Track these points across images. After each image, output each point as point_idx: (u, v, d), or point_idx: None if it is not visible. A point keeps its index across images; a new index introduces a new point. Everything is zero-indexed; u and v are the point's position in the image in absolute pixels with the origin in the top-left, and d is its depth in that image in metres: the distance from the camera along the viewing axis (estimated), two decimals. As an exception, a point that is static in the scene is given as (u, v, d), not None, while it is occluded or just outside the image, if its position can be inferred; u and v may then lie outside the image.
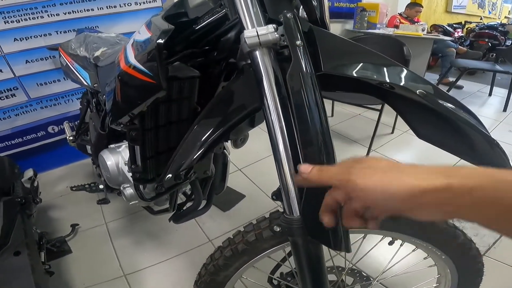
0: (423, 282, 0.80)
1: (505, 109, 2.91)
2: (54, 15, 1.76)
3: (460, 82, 3.43)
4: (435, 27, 4.77)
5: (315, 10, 0.56)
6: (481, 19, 6.01)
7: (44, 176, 2.00)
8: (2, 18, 1.64)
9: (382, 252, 0.79)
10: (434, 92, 0.52)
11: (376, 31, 3.21)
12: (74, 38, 1.41)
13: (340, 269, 0.71)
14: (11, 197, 1.10)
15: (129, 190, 0.93)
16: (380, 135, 2.25)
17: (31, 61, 1.83)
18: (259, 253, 0.62)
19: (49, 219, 1.61)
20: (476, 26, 5.37)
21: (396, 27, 3.52)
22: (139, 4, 1.91)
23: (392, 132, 2.31)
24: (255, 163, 1.96)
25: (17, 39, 1.74)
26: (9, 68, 1.78)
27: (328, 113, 2.75)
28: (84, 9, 1.81)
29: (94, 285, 1.19)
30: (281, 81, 0.49)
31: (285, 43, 0.49)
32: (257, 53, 0.49)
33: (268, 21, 0.51)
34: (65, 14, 1.78)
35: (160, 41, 0.51)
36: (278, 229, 0.55)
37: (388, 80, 0.51)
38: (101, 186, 1.12)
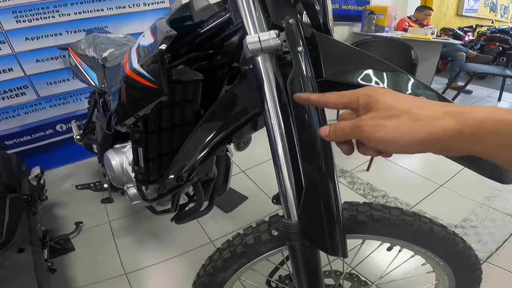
0: (421, 288, 0.80)
1: (514, 115, 2.85)
2: (65, 15, 1.79)
3: (469, 87, 3.39)
4: (445, 31, 4.72)
5: (318, 16, 0.56)
6: (492, 22, 5.91)
7: (51, 173, 2.03)
8: (14, 17, 1.68)
9: (380, 258, 0.79)
10: (438, 99, 0.51)
11: (384, 34, 3.19)
12: (83, 38, 1.44)
13: (338, 273, 0.71)
14: (17, 195, 1.11)
15: (132, 190, 0.94)
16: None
17: (42, 60, 1.87)
18: (257, 256, 0.62)
19: (54, 216, 1.63)
20: (488, 29, 5.28)
21: (405, 30, 3.49)
22: (147, 5, 1.94)
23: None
24: (259, 165, 1.96)
25: (28, 39, 1.77)
26: (20, 67, 1.82)
27: (333, 116, 2.73)
28: (94, 9, 1.84)
29: (95, 283, 1.20)
30: (282, 86, 0.50)
31: (287, 49, 0.49)
32: (259, 58, 0.49)
33: (271, 27, 0.52)
34: (76, 14, 1.81)
35: (162, 47, 0.52)
36: (276, 233, 0.55)
37: (391, 87, 0.51)
38: (105, 185, 1.13)
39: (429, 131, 0.28)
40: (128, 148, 1.00)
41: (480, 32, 5.37)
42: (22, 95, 1.89)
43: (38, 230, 1.17)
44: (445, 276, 0.67)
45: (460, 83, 3.55)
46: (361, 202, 0.65)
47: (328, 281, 0.70)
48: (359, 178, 1.83)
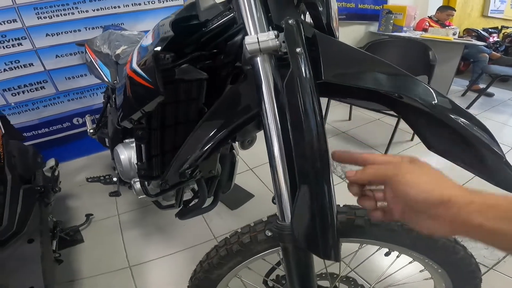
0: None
1: (537, 120, 2.74)
2: (83, 12, 1.85)
3: (491, 89, 3.26)
4: (468, 31, 4.55)
5: (321, 16, 0.55)
6: (519, 24, 5.65)
7: (66, 165, 2.10)
8: (36, 14, 1.74)
9: (378, 262, 0.77)
10: (444, 104, 0.49)
11: (402, 34, 3.11)
12: (99, 35, 1.48)
13: (334, 276, 0.70)
14: (31, 186, 1.16)
15: (138, 185, 0.96)
16: (399, 142, 2.18)
17: (61, 56, 1.94)
18: (253, 255, 0.63)
19: (67, 207, 1.69)
20: (514, 31, 5.05)
21: (425, 30, 3.39)
22: (162, 2, 1.97)
23: (412, 139, 2.23)
24: (267, 164, 1.94)
25: (48, 35, 1.84)
26: (40, 62, 1.89)
27: (346, 116, 2.70)
28: (111, 6, 1.89)
29: (100, 274, 1.24)
30: (280, 88, 0.50)
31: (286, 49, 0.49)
32: (258, 59, 0.49)
33: (273, 27, 0.52)
34: (94, 11, 1.86)
35: (157, 48, 0.52)
36: (269, 234, 0.56)
37: (393, 90, 0.49)
38: (114, 179, 1.16)
39: (451, 191, 0.33)
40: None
41: (505, 33, 5.14)
42: (41, 89, 1.97)
43: (50, 221, 1.21)
44: (443, 283, 0.65)
45: (482, 86, 3.42)
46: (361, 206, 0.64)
47: (325, 283, 0.70)
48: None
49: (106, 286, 1.20)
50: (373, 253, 0.67)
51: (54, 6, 1.77)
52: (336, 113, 2.72)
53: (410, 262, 0.67)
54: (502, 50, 4.58)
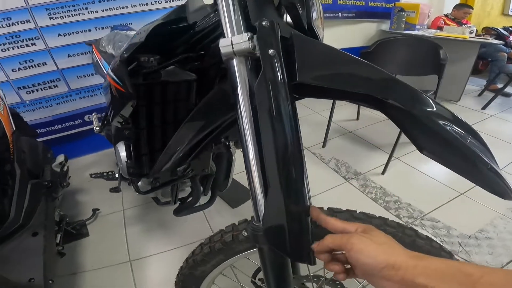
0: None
1: (556, 122, 2.61)
2: (93, 12, 1.90)
3: (508, 89, 3.13)
4: (487, 30, 4.37)
5: (300, 18, 0.55)
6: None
7: (77, 161, 2.18)
8: (48, 14, 1.81)
9: None
10: (428, 107, 0.48)
11: (415, 32, 3.02)
12: (106, 35, 1.52)
13: (315, 279, 0.70)
14: (39, 180, 1.20)
15: (140, 183, 0.99)
16: (406, 143, 2.11)
17: (73, 55, 2.00)
18: (235, 254, 0.64)
19: (76, 202, 1.75)
20: (537, 30, 4.81)
21: (440, 28, 3.28)
22: (168, 2, 2.00)
23: (421, 141, 2.17)
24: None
25: (60, 35, 1.90)
26: (53, 61, 1.96)
27: (354, 116, 2.66)
28: (120, 7, 1.93)
29: (101, 268, 1.28)
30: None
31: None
32: (234, 61, 0.50)
33: (250, 30, 0.52)
34: (103, 11, 1.91)
35: (125, 55, 0.54)
36: (245, 234, 0.56)
37: (371, 92, 0.49)
38: (116, 175, 1.20)
39: (397, 257, 0.37)
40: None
41: (527, 31, 4.91)
42: (54, 87, 2.04)
43: (57, 215, 1.26)
44: None
45: (500, 85, 3.28)
46: (344, 210, 0.63)
47: (312, 285, 0.70)
48: (372, 181, 1.78)
49: (107, 280, 1.24)
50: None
51: (65, 7, 1.83)
52: (344, 112, 2.68)
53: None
54: (523, 49, 4.37)
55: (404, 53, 2.11)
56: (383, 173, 1.85)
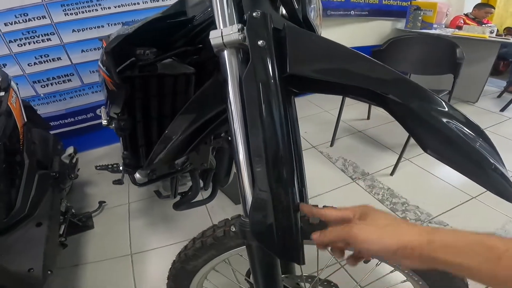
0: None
1: None
2: (106, 8, 1.94)
3: (530, 92, 3.00)
4: (509, 30, 4.18)
5: (295, 10, 0.53)
6: None
7: (88, 154, 2.23)
8: (63, 10, 1.85)
9: (357, 269, 0.74)
10: (432, 104, 0.46)
11: (432, 31, 2.93)
12: (115, 31, 1.54)
13: (310, 279, 0.68)
14: (47, 171, 1.23)
15: (137, 175, 1.00)
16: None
17: (86, 50, 2.04)
18: (227, 250, 0.63)
19: (83, 194, 1.79)
20: None
21: (459, 28, 3.17)
22: (179, -1, 2.01)
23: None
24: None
25: (74, 30, 1.95)
26: (67, 56, 2.01)
27: (364, 115, 2.60)
28: (131, 3, 1.96)
29: (102, 260, 1.30)
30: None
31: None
32: (225, 53, 0.49)
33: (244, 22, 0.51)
34: (115, 7, 1.95)
35: (110, 46, 0.54)
36: (234, 229, 0.55)
37: (370, 86, 0.47)
38: (120, 168, 1.21)
39: (408, 237, 0.36)
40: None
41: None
42: (68, 81, 2.10)
43: (63, 206, 1.28)
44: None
45: (521, 88, 3.15)
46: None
47: (306, 285, 0.68)
48: (379, 182, 1.73)
49: (107, 272, 1.26)
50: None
51: (80, 3, 1.88)
52: (354, 111, 2.63)
53: (391, 272, 0.64)
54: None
55: (419, 52, 2.05)
56: (391, 174, 1.80)
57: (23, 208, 1.03)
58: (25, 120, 1.38)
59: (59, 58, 2.00)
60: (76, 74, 2.10)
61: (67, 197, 1.43)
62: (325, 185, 1.71)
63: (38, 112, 1.88)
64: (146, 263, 1.29)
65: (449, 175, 1.76)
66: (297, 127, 0.57)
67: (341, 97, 1.99)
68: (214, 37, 0.47)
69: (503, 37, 3.23)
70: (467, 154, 0.44)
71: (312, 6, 0.57)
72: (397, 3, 2.97)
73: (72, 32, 1.94)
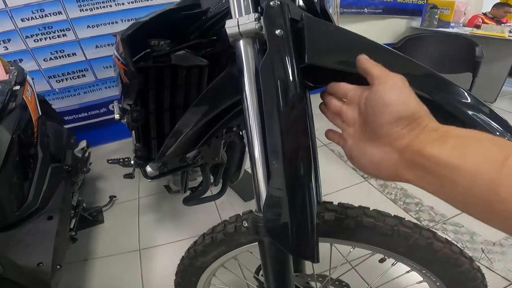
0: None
1: None
2: (120, 4, 1.95)
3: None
4: (529, 30, 4.07)
5: (313, 1, 0.52)
6: None
7: (101, 148, 2.26)
8: (78, 6, 1.88)
9: (372, 268, 0.72)
10: (456, 95, 0.44)
11: (449, 30, 2.86)
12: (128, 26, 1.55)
13: (320, 278, 0.67)
14: (60, 164, 1.25)
15: (148, 168, 0.99)
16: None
17: (100, 46, 2.07)
18: (237, 246, 0.62)
19: (95, 188, 1.81)
20: None
21: (478, 27, 3.09)
22: (193, -5, 2.01)
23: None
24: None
25: (89, 26, 1.97)
26: (82, 52, 2.04)
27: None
28: (145, -1, 1.97)
29: (110, 255, 1.31)
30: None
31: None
32: (240, 43, 0.48)
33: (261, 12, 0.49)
34: (129, 3, 1.96)
35: (124, 35, 0.54)
36: (246, 225, 0.54)
37: None
38: (132, 162, 1.22)
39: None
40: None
41: None
42: (82, 76, 2.13)
43: (75, 200, 1.29)
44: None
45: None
46: (357, 206, 0.60)
47: (316, 285, 0.67)
48: (392, 182, 1.69)
49: (115, 268, 1.27)
50: (366, 258, 0.62)
51: (94, -1, 1.89)
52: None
53: (408, 272, 0.61)
54: None
55: (435, 50, 2.00)
56: (405, 174, 1.76)
57: (35, 201, 1.04)
58: (40, 113, 1.40)
59: (74, 54, 2.03)
60: (90, 70, 2.13)
61: (78, 191, 1.45)
62: (337, 184, 1.68)
63: (53, 106, 1.91)
64: (154, 258, 1.30)
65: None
66: (312, 122, 0.56)
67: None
68: (230, 26, 0.46)
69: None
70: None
71: (329, 1, 0.55)
72: (412, 1, 2.91)
73: (87, 28, 1.97)
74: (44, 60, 1.97)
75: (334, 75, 0.47)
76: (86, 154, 1.61)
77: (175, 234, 1.40)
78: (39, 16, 1.84)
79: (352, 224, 0.55)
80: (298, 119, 0.44)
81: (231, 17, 0.49)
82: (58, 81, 2.08)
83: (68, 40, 1.97)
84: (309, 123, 0.48)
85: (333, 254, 0.63)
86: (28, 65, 1.90)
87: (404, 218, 0.58)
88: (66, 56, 2.02)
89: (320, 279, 0.68)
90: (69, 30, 1.94)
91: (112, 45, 2.08)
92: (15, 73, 1.28)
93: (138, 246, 1.36)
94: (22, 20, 1.81)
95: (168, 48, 0.63)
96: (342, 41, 0.47)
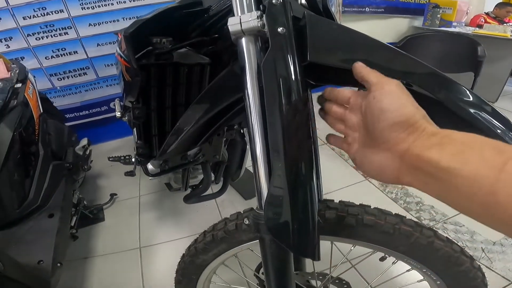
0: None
1: None
2: (121, 3, 1.95)
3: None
4: (531, 29, 4.06)
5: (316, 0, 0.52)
6: None
7: (102, 146, 2.26)
8: (80, 4, 1.88)
9: (372, 267, 0.72)
10: (458, 94, 0.43)
11: (451, 29, 2.85)
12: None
13: (321, 276, 0.67)
14: (61, 162, 1.25)
15: (149, 166, 0.99)
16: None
17: (101, 44, 2.07)
18: (238, 244, 0.62)
19: (96, 186, 1.82)
20: None
21: (480, 26, 3.08)
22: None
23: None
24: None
25: (91, 24, 1.97)
26: (83, 50, 2.04)
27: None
28: (146, -3, 1.97)
29: (111, 253, 1.31)
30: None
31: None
32: (243, 40, 0.48)
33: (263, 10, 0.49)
34: (131, 1, 1.96)
35: (126, 32, 0.54)
36: (247, 222, 0.54)
37: (392, 74, 0.44)
38: (133, 160, 1.22)
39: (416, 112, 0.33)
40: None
41: None
42: (84, 74, 2.13)
43: (75, 198, 1.30)
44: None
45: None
46: (358, 204, 0.60)
47: (317, 283, 0.67)
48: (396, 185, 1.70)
49: (115, 265, 1.27)
50: (367, 257, 0.62)
51: (96, -3, 1.89)
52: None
53: (408, 270, 0.61)
54: None
55: (437, 49, 1.99)
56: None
57: (36, 199, 1.03)
58: (41, 111, 1.40)
59: (75, 52, 2.03)
60: (92, 68, 2.13)
61: (79, 189, 1.45)
62: (337, 183, 1.68)
63: (54, 104, 1.91)
64: (154, 256, 1.30)
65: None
66: (314, 121, 0.56)
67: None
68: (233, 23, 0.46)
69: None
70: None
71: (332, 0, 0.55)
72: (414, 0, 2.90)
73: (89, 26, 1.97)
74: (45, 58, 1.97)
75: (336, 73, 0.47)
76: (87, 152, 1.61)
77: (175, 232, 1.40)
78: (41, 14, 1.84)
79: (353, 222, 0.55)
80: (300, 118, 0.44)
81: (233, 15, 0.49)
82: (59, 79, 2.08)
83: (69, 38, 1.97)
84: (311, 122, 0.48)
85: (334, 252, 0.63)
86: (29, 63, 1.91)
87: (405, 217, 0.58)
88: (67, 54, 2.02)
89: (321, 277, 0.68)
90: (71, 28, 1.94)
91: (113, 43, 2.08)
92: (17, 71, 1.29)
93: (139, 244, 1.36)
94: (24, 18, 1.81)
95: (170, 46, 0.63)
96: (344, 39, 0.47)
